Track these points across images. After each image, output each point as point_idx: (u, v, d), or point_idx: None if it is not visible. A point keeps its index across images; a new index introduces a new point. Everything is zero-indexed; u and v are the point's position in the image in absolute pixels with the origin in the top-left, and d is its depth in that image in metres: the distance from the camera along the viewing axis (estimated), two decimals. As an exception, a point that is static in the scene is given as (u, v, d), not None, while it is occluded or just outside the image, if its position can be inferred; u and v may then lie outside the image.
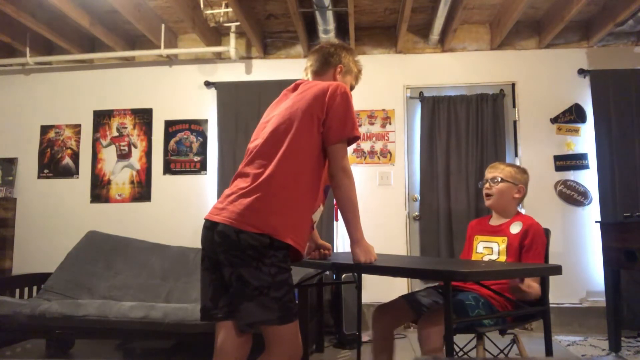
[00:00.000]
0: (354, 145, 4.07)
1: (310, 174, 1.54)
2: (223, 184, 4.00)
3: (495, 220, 2.16)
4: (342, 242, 3.99)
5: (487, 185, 2.15)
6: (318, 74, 1.76)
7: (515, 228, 2.02)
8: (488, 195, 2.14)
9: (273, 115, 1.63)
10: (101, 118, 4.33)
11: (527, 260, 1.93)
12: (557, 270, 1.54)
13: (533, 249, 1.94)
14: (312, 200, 1.57)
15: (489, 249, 2.07)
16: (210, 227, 1.50)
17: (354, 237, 1.58)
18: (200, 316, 1.56)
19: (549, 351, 1.61)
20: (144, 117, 4.29)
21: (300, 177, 1.50)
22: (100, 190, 4.25)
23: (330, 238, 3.88)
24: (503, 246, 2.02)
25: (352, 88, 1.81)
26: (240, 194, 1.47)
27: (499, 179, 2.11)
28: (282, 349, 1.45)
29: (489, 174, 2.18)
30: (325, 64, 1.76)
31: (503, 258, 2.00)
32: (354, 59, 1.82)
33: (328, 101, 1.53)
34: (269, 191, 1.46)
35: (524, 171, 2.18)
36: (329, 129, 1.54)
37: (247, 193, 1.46)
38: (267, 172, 1.48)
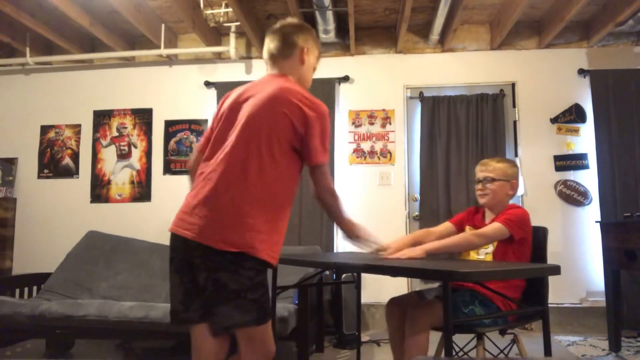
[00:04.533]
0: (354, 145, 4.08)
1: (285, 188, 1.51)
2: (223, 184, 3.99)
3: (488, 217, 2.16)
4: (342, 242, 3.99)
5: (479, 186, 2.14)
6: (284, 56, 1.64)
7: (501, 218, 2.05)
8: (482, 195, 2.14)
9: (246, 121, 1.50)
10: (101, 118, 4.33)
11: (497, 220, 1.96)
12: (556, 270, 1.54)
13: (504, 214, 1.99)
14: (287, 211, 1.55)
15: None
16: (181, 238, 1.46)
17: (348, 230, 1.72)
18: (170, 320, 1.52)
19: (547, 351, 1.61)
20: (144, 117, 4.30)
21: (274, 192, 1.47)
22: (100, 190, 4.25)
23: (330, 238, 3.89)
24: None
25: (314, 70, 1.74)
26: (212, 209, 1.42)
27: (492, 179, 2.10)
28: (256, 348, 1.45)
29: (480, 172, 2.15)
30: (290, 46, 1.63)
31: (492, 248, 2.02)
32: (315, 39, 1.72)
33: (309, 121, 1.47)
34: (240, 207, 1.41)
35: (514, 165, 2.17)
36: (308, 151, 1.49)
37: (219, 209, 1.42)
38: (238, 189, 1.42)
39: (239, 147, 1.46)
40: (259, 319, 1.42)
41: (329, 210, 1.66)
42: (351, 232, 1.74)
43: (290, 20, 1.72)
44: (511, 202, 2.17)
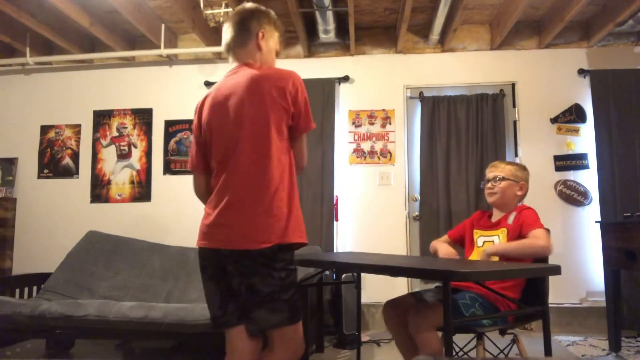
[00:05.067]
0: (354, 145, 4.08)
1: (289, 167, 1.54)
2: (223, 184, 3.99)
3: (495, 217, 2.19)
4: (342, 242, 3.99)
5: (489, 184, 2.18)
6: (240, 44, 1.60)
7: (511, 218, 2.09)
8: (491, 194, 2.16)
9: (238, 120, 1.50)
10: (101, 118, 4.33)
11: (525, 227, 1.99)
12: (556, 270, 1.54)
13: (526, 220, 2.02)
14: (295, 193, 1.56)
15: (489, 243, 2.11)
16: (215, 250, 1.48)
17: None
18: (212, 326, 1.56)
19: (548, 351, 1.61)
20: (144, 117, 4.30)
21: (283, 175, 1.50)
22: (100, 190, 4.25)
23: (330, 238, 3.88)
24: (503, 236, 2.07)
25: (277, 54, 1.69)
26: (236, 215, 1.45)
27: (501, 177, 2.14)
28: (287, 347, 1.47)
29: (490, 173, 2.21)
30: (245, 32, 1.60)
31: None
32: (273, 20, 1.66)
33: (293, 94, 1.49)
34: (263, 201, 1.44)
35: (524, 168, 2.23)
36: (304, 118, 1.54)
37: (242, 211, 1.44)
38: (256, 186, 1.45)
39: (246, 150, 1.47)
40: (292, 318, 1.46)
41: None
42: None
43: (243, 5, 1.65)
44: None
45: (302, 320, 1.52)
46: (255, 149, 1.46)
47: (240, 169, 1.47)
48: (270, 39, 1.64)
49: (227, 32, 1.62)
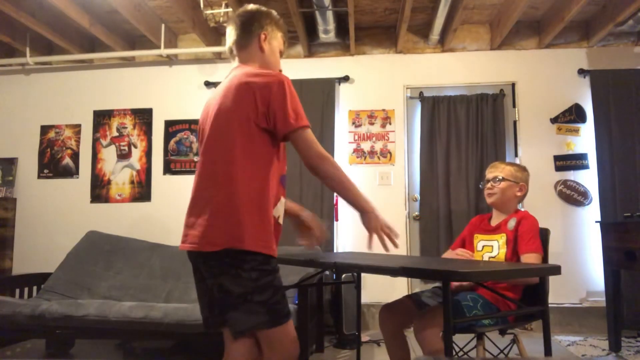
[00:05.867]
0: (354, 145, 4.08)
1: (257, 174, 1.43)
2: (223, 184, 3.99)
3: (495, 220, 2.18)
4: (342, 242, 3.99)
5: (488, 185, 2.17)
6: (242, 46, 1.59)
7: (511, 223, 2.07)
8: (490, 194, 2.16)
9: (207, 121, 1.51)
10: (101, 118, 4.33)
11: (522, 245, 1.97)
12: (556, 270, 1.54)
13: (524, 235, 1.98)
14: (266, 200, 1.44)
15: (489, 247, 2.10)
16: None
17: (361, 208, 1.48)
18: (203, 326, 1.55)
19: (548, 351, 1.61)
20: (144, 117, 4.30)
21: (250, 180, 1.41)
22: (100, 190, 4.25)
23: (330, 238, 3.88)
24: (502, 242, 2.05)
25: (281, 54, 1.67)
26: (198, 211, 1.43)
27: (501, 178, 2.14)
28: (275, 352, 1.42)
29: (489, 173, 2.20)
30: (247, 34, 1.58)
31: (503, 253, 2.03)
32: (275, 20, 1.63)
33: (264, 93, 1.40)
34: (217, 202, 1.40)
35: (524, 169, 2.22)
36: (275, 122, 1.41)
37: (201, 212, 1.42)
38: (214, 186, 1.42)
39: (208, 148, 1.47)
40: (272, 321, 1.39)
41: (331, 180, 1.45)
42: (370, 212, 1.49)
43: (245, 7, 1.64)
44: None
45: (302, 321, 1.50)
46: (216, 148, 1.44)
47: (202, 169, 1.46)
48: (273, 40, 1.62)
49: (230, 35, 1.61)
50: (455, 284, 1.98)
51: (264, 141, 1.45)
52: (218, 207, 1.40)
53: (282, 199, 1.55)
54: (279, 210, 1.52)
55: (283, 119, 1.41)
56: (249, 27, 1.58)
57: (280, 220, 1.54)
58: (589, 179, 3.86)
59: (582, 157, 3.90)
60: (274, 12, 1.66)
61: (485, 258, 2.08)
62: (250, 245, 1.37)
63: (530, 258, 1.93)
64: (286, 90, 1.42)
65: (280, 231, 1.54)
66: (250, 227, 1.38)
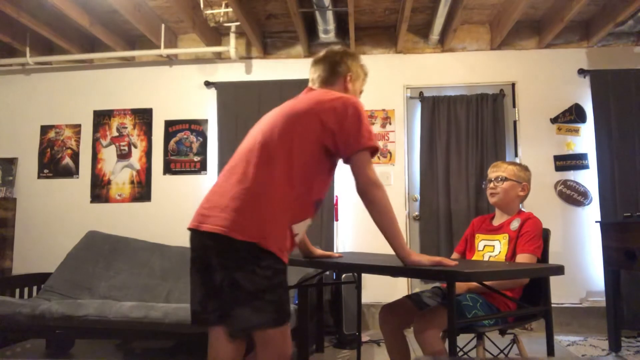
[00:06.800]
0: (354, 145, 4.07)
1: (302, 184, 1.47)
2: (223, 184, 3.99)
3: (497, 220, 2.18)
4: (342, 242, 3.99)
5: (491, 185, 2.17)
6: (327, 83, 1.69)
7: (515, 224, 2.06)
8: (493, 194, 2.16)
9: (267, 119, 1.57)
10: (101, 118, 4.33)
11: (520, 244, 1.96)
12: (559, 270, 1.54)
13: (525, 235, 1.98)
14: (298, 211, 1.49)
15: (490, 247, 2.09)
16: (198, 233, 1.45)
17: (402, 255, 1.51)
18: (191, 321, 1.52)
19: (550, 351, 1.61)
20: (144, 117, 4.30)
21: (289, 186, 1.44)
22: (100, 190, 4.25)
23: (330, 238, 3.88)
24: (504, 242, 2.05)
25: (361, 92, 1.77)
26: (228, 198, 1.43)
27: (504, 178, 2.13)
28: (272, 351, 1.42)
29: (492, 173, 2.20)
30: (334, 73, 1.69)
31: (504, 254, 2.02)
32: (360, 64, 1.76)
33: (340, 113, 1.47)
34: (256, 198, 1.41)
35: (526, 169, 2.21)
36: (343, 142, 1.47)
37: (234, 199, 1.41)
38: (256, 177, 1.43)
39: (264, 145, 1.47)
40: (277, 321, 1.39)
41: (372, 212, 1.52)
42: (404, 259, 1.52)
43: (332, 48, 1.76)
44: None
45: (301, 321, 1.50)
46: (273, 147, 1.46)
47: (251, 159, 1.48)
48: (357, 81, 1.73)
49: (316, 72, 1.72)
50: (461, 285, 1.98)
51: (320, 160, 1.50)
52: (254, 201, 1.40)
53: (308, 220, 1.58)
54: (300, 228, 1.54)
55: (347, 141, 1.47)
56: (337, 68, 1.70)
57: (297, 239, 1.56)
58: (589, 179, 3.86)
59: (582, 157, 3.90)
60: (359, 56, 1.80)
61: (486, 258, 2.08)
62: (271, 245, 1.39)
63: (523, 258, 1.93)
64: (361, 111, 1.49)
65: (294, 247, 1.57)
66: (274, 230, 1.41)
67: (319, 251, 1.90)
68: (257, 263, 1.38)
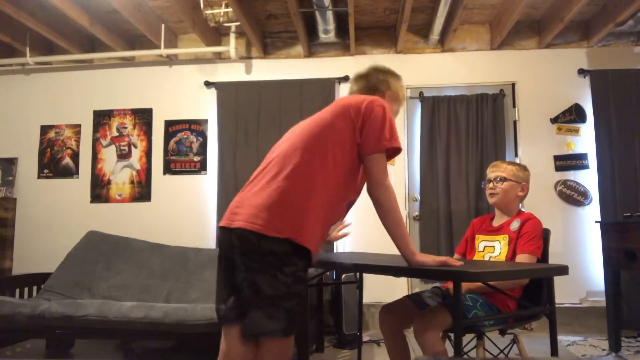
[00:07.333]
0: (354, 145, 4.07)
1: (336, 185, 1.49)
2: (223, 183, 3.99)
3: (497, 220, 2.18)
4: (342, 242, 3.99)
5: (490, 185, 2.17)
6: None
7: (515, 225, 2.06)
8: (492, 194, 2.15)
9: (303, 124, 1.59)
10: (101, 118, 4.33)
11: (520, 245, 1.97)
12: (563, 270, 1.53)
13: (525, 235, 1.98)
14: (332, 212, 1.50)
15: (490, 248, 2.09)
16: (227, 231, 1.45)
17: (407, 256, 1.51)
18: (217, 320, 1.51)
19: (554, 351, 1.60)
20: (144, 117, 4.30)
21: (324, 186, 1.45)
22: (100, 190, 4.25)
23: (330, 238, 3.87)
24: (504, 243, 2.05)
25: (396, 113, 1.81)
26: (262, 197, 1.42)
27: (503, 178, 2.13)
28: (273, 358, 1.41)
29: (491, 173, 2.20)
30: (374, 90, 1.72)
31: (504, 254, 2.02)
32: (401, 85, 1.81)
33: (364, 111, 1.50)
34: (292, 197, 1.41)
35: (525, 168, 2.21)
36: (364, 140, 1.50)
37: (268, 198, 1.41)
38: (291, 178, 1.42)
39: (302, 146, 1.49)
40: (286, 332, 1.39)
41: (380, 212, 1.52)
42: (409, 259, 1.52)
43: (379, 66, 1.80)
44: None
45: (302, 321, 1.49)
46: (310, 148, 1.48)
47: (281, 162, 1.50)
48: (395, 102, 1.79)
49: (356, 85, 1.77)
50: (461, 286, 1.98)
51: (352, 160, 1.52)
52: (289, 201, 1.40)
53: (338, 221, 1.61)
54: (331, 229, 1.58)
55: (376, 138, 1.49)
56: (378, 86, 1.75)
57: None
58: (589, 179, 3.86)
59: (582, 157, 3.90)
60: (400, 75, 1.85)
61: (487, 258, 2.07)
62: (307, 242, 1.39)
63: (523, 259, 1.93)
64: (386, 112, 1.52)
65: (322, 246, 1.59)
66: (310, 229, 1.41)
67: (334, 233, 1.93)
68: (280, 268, 1.37)
